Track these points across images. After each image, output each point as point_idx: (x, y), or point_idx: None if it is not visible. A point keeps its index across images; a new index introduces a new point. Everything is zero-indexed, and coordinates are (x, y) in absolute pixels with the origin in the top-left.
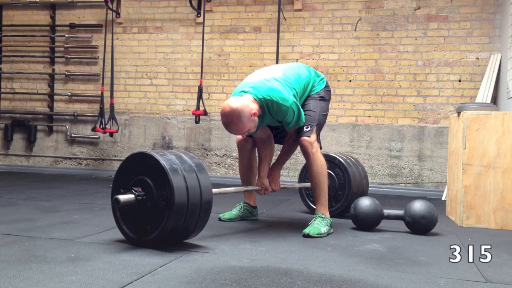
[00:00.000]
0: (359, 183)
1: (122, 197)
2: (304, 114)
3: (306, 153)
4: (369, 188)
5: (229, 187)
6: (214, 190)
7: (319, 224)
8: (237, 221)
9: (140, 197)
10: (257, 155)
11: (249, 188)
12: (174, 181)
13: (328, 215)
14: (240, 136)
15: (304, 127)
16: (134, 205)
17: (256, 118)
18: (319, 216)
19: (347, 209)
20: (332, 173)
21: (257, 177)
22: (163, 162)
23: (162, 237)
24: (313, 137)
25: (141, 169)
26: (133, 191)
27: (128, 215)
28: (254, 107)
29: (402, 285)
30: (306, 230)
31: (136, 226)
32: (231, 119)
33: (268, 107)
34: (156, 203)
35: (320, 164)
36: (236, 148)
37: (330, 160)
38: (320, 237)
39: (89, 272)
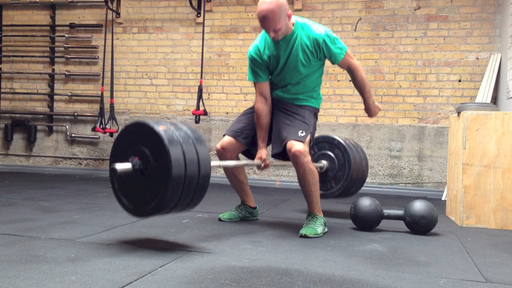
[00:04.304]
0: (359, 164)
1: (119, 166)
2: (299, 121)
3: (297, 163)
4: (369, 188)
5: (230, 162)
6: (213, 163)
7: (315, 224)
8: (237, 221)
9: (137, 166)
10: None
11: (249, 162)
12: (171, 148)
13: (321, 214)
14: (218, 146)
15: (299, 131)
16: (132, 174)
17: (290, 23)
18: (313, 217)
19: (348, 190)
20: (332, 154)
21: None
22: (157, 128)
23: (162, 205)
24: (306, 146)
25: (137, 139)
26: (130, 160)
27: (127, 187)
28: (291, 12)
29: (402, 285)
30: (303, 231)
31: (136, 198)
32: (271, 7)
33: (303, 27)
34: (154, 171)
35: (312, 174)
36: None
37: (329, 141)
38: (317, 237)
39: (89, 272)
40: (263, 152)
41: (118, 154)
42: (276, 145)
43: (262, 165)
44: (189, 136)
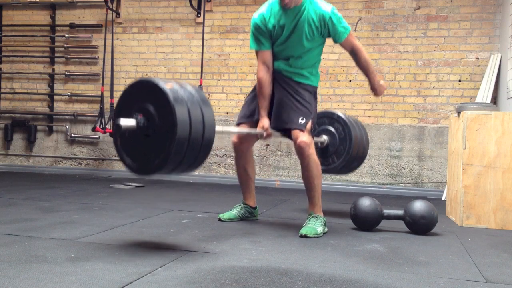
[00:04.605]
0: (360, 138)
1: (123, 122)
2: (300, 104)
3: (302, 155)
4: (369, 188)
5: (232, 128)
6: (217, 128)
7: (315, 224)
8: (237, 221)
9: (141, 123)
10: (252, 156)
11: (252, 131)
12: (176, 106)
13: (321, 214)
14: (235, 138)
15: (300, 118)
16: (136, 131)
17: None
18: (313, 216)
19: (349, 164)
20: (332, 129)
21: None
22: (163, 86)
23: (165, 163)
24: (309, 136)
25: (143, 96)
26: (134, 116)
27: (130, 144)
28: None
29: (402, 285)
30: (303, 231)
31: (139, 156)
32: None
33: (311, 2)
34: (159, 128)
35: (316, 166)
36: None
37: (329, 116)
38: (317, 237)
39: (89, 272)
40: (265, 122)
41: (122, 112)
42: (275, 121)
43: (265, 134)
44: (194, 96)
